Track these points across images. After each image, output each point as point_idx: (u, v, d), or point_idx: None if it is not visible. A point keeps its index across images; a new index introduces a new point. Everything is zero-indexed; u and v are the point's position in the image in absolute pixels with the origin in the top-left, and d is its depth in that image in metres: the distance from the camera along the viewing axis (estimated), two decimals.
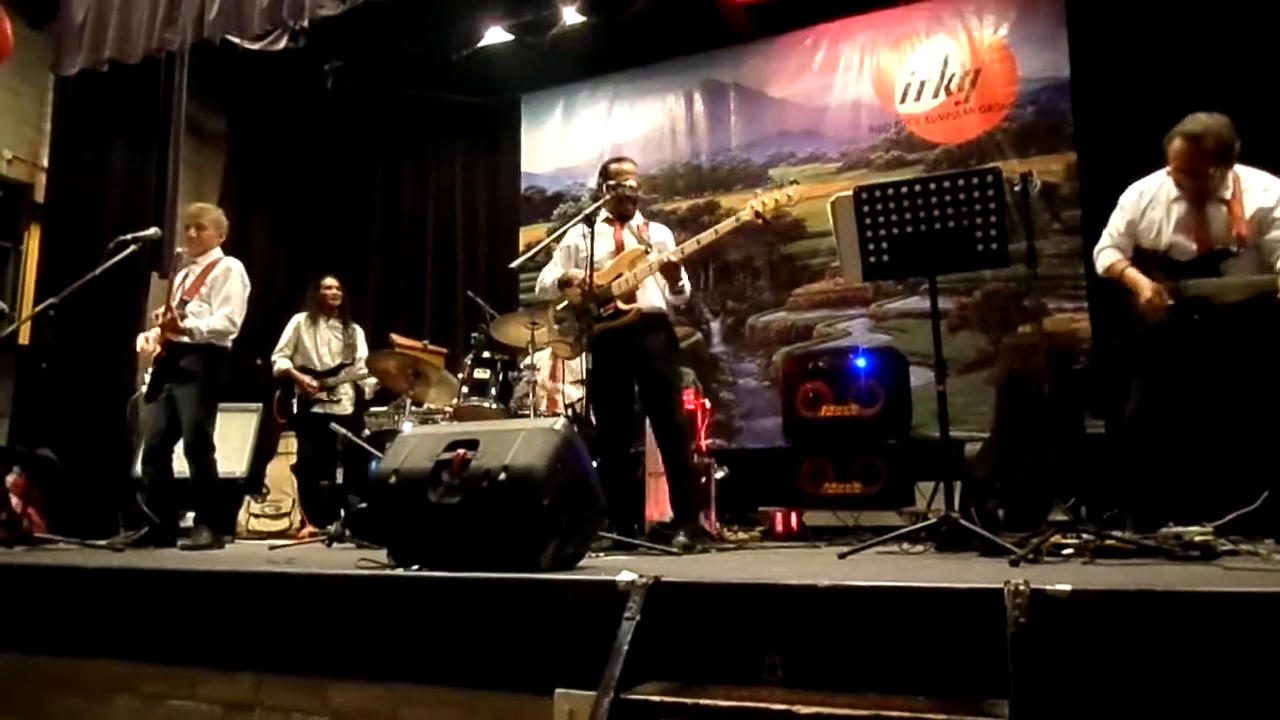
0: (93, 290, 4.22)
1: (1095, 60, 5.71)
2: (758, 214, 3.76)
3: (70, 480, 5.34)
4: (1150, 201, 3.43)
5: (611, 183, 3.99)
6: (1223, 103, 5.04)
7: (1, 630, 2.80)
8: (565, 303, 3.92)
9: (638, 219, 4.10)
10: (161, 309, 4.36)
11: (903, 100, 6.36)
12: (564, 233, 4.18)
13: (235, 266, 4.48)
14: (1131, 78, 5.41)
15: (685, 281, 3.86)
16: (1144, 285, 3.30)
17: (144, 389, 4.50)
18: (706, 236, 3.86)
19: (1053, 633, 1.62)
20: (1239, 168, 3.29)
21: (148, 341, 4.39)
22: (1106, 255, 3.53)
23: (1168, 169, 3.36)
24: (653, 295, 3.90)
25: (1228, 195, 3.26)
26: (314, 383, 5.64)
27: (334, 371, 5.70)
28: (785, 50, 6.78)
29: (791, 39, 6.75)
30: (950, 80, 6.23)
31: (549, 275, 4.08)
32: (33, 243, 6.29)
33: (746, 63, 6.90)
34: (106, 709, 2.61)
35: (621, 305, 3.81)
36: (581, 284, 3.79)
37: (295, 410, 5.71)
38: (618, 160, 4.15)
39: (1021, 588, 1.64)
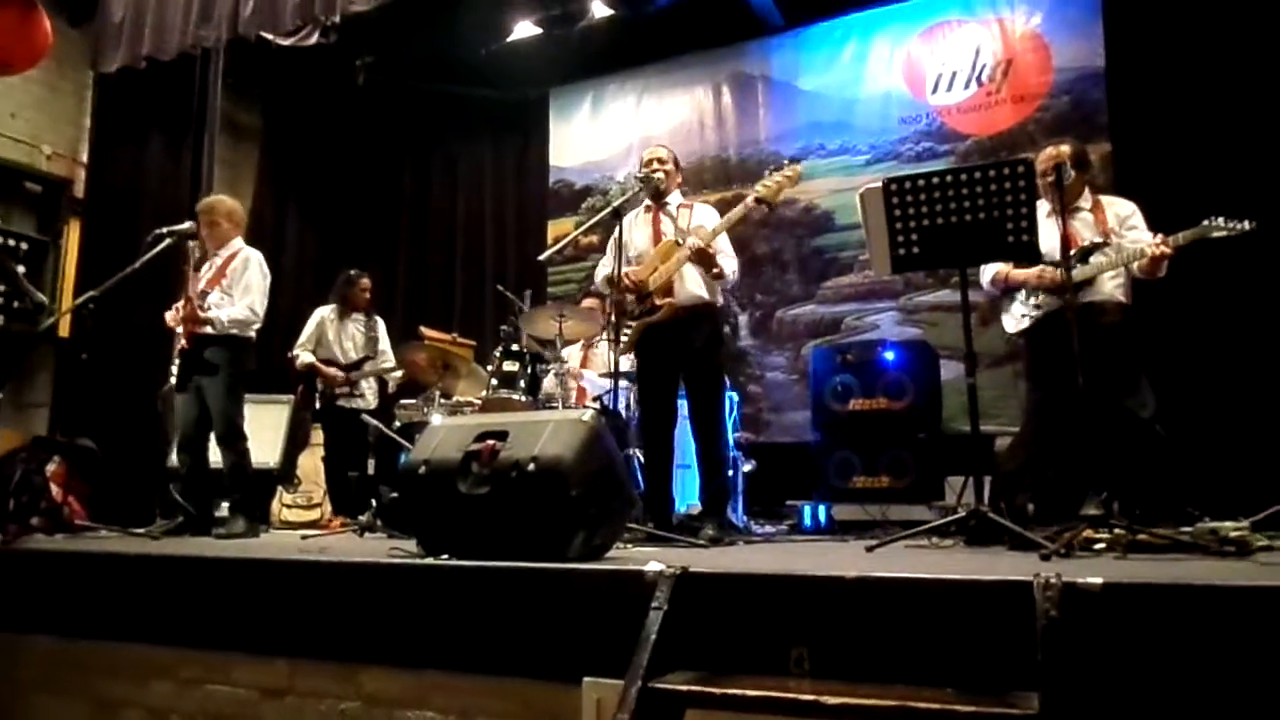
0: (131, 283, 4.29)
1: (1131, 49, 5.60)
2: (760, 200, 3.74)
3: (109, 470, 5.42)
4: None
5: (640, 172, 3.99)
6: (1259, 91, 4.99)
7: (43, 615, 2.87)
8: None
9: (675, 199, 4.02)
10: (181, 301, 4.38)
11: (934, 91, 6.29)
12: (591, 226, 4.17)
13: (254, 256, 4.47)
14: (1168, 67, 5.31)
15: (723, 265, 3.79)
16: (1030, 272, 3.73)
17: (173, 380, 4.56)
18: (721, 224, 3.83)
19: (1084, 626, 1.61)
20: (1102, 195, 3.87)
21: (176, 324, 4.40)
22: (991, 266, 3.83)
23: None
24: (693, 285, 3.82)
25: (1088, 206, 3.81)
26: (340, 375, 5.61)
27: (357, 365, 5.68)
28: (815, 42, 6.73)
29: (821, 30, 6.71)
30: (982, 71, 6.16)
31: (599, 272, 4.10)
32: (72, 237, 6.41)
33: (775, 55, 6.86)
34: (144, 693, 2.67)
35: (657, 300, 3.79)
36: (621, 281, 3.78)
37: (319, 405, 5.71)
38: (650, 148, 4.17)
39: (1053, 580, 1.63)
